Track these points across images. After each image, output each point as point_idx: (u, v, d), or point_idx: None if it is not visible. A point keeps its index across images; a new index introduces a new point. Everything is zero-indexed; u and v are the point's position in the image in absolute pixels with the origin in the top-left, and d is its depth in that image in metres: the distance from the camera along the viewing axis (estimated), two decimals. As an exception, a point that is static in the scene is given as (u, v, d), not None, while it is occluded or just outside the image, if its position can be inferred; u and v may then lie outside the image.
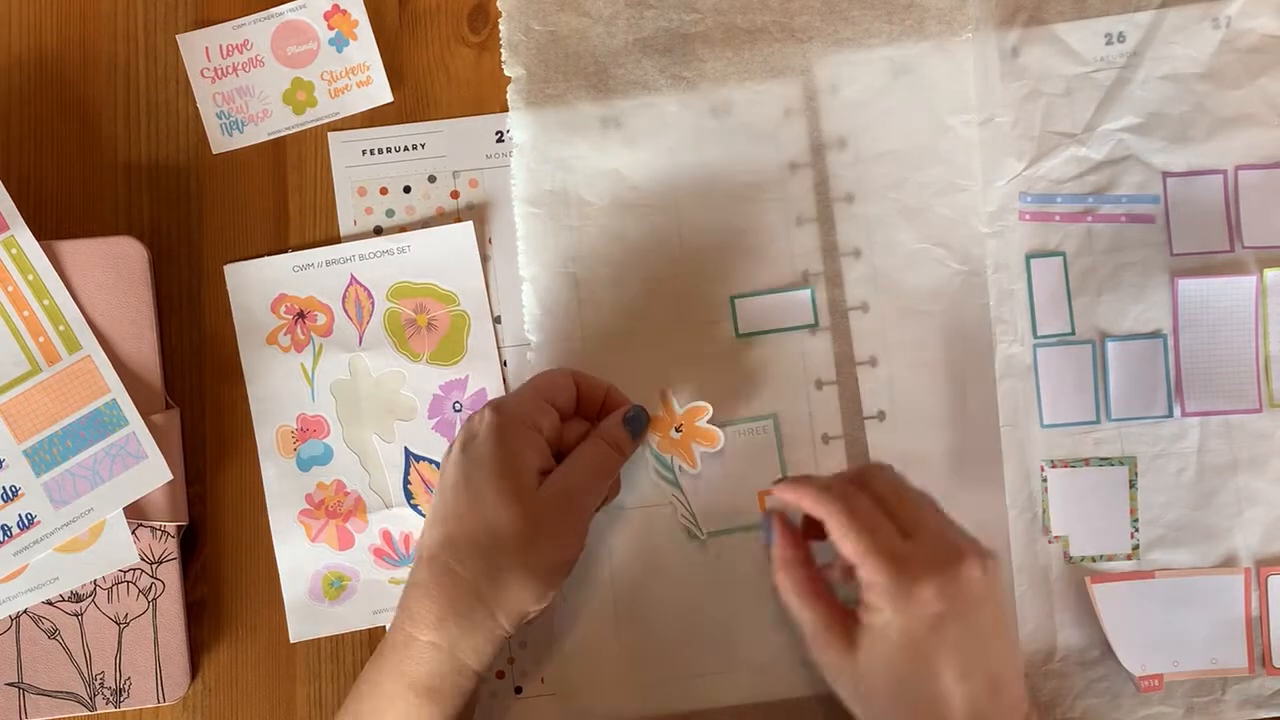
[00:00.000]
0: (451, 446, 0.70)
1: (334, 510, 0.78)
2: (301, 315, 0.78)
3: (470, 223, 0.79)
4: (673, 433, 0.77)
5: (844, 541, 0.67)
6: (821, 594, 0.70)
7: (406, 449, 0.78)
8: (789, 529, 0.72)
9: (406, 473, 0.78)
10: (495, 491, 0.67)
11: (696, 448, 0.77)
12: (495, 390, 0.78)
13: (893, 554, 0.65)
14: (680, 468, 0.77)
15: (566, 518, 0.69)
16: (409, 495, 0.78)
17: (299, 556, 0.77)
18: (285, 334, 0.78)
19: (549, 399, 0.71)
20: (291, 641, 0.77)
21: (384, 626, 0.77)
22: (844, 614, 0.68)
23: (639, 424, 0.74)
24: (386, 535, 0.78)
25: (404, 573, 0.77)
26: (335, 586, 0.77)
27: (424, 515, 0.78)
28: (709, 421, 0.77)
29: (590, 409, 0.75)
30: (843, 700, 0.69)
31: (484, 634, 0.67)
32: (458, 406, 0.78)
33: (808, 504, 0.69)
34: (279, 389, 0.78)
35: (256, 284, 0.78)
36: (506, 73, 0.79)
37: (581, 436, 0.72)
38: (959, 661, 0.64)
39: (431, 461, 0.78)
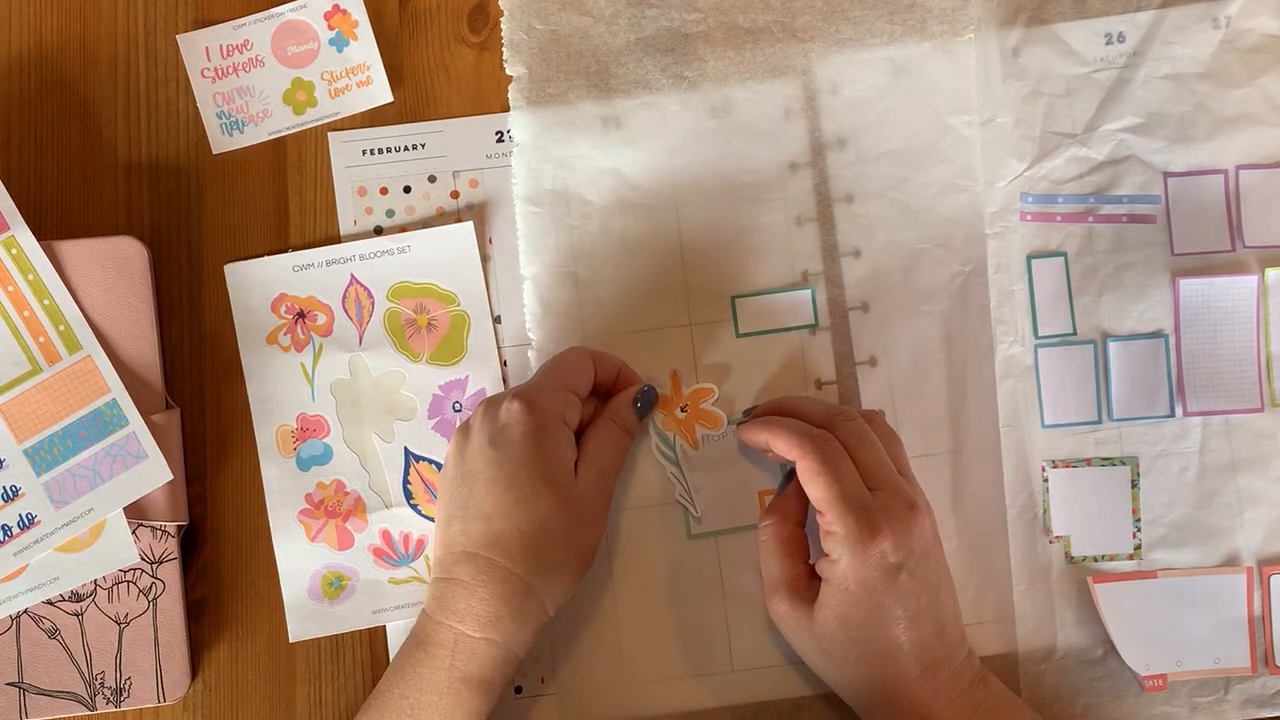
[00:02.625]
0: (467, 437, 0.71)
1: (334, 510, 0.78)
2: (302, 315, 0.78)
3: (470, 223, 0.79)
4: (678, 412, 0.78)
5: (811, 486, 0.69)
6: (798, 553, 0.73)
7: (406, 449, 0.78)
8: (798, 492, 0.74)
9: (406, 473, 0.78)
10: (542, 492, 0.69)
11: (700, 429, 0.77)
12: (495, 391, 0.78)
13: (857, 504, 0.69)
14: (681, 447, 0.77)
15: (602, 503, 0.73)
16: (409, 495, 0.78)
17: (298, 556, 0.77)
18: (285, 334, 0.78)
19: (572, 388, 0.73)
20: (291, 641, 0.77)
21: (384, 626, 0.77)
22: (811, 575, 0.72)
23: (647, 405, 0.76)
24: (386, 535, 0.78)
25: (403, 572, 0.77)
26: (335, 586, 0.77)
27: (423, 515, 0.78)
28: (714, 405, 0.77)
29: (603, 386, 0.76)
30: (801, 655, 0.72)
31: (534, 624, 0.70)
32: (457, 406, 0.78)
33: (780, 445, 0.72)
34: (279, 389, 0.78)
35: (257, 284, 0.78)
36: (508, 71, 0.79)
37: (594, 414, 0.75)
38: (910, 610, 0.69)
39: (431, 461, 0.78)
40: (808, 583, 0.72)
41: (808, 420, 0.73)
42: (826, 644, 0.70)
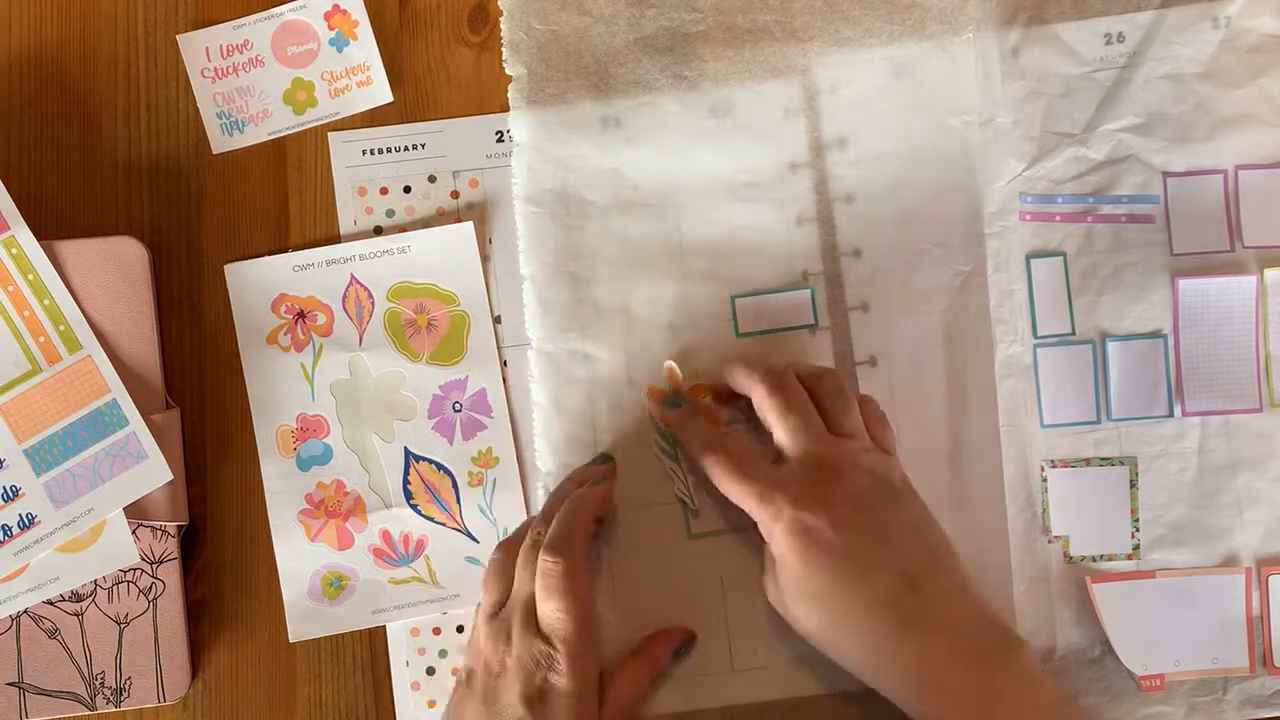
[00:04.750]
0: (494, 691, 0.70)
1: (333, 510, 0.78)
2: (302, 315, 0.78)
3: (470, 223, 0.79)
4: None
5: (723, 487, 0.71)
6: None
7: (406, 449, 0.78)
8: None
9: (406, 472, 0.78)
10: None
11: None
12: (495, 391, 0.78)
13: (759, 489, 0.70)
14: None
15: None
16: (408, 495, 0.78)
17: (298, 556, 0.77)
18: (285, 334, 0.78)
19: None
20: (291, 641, 0.77)
21: (384, 627, 0.77)
22: None
23: (687, 654, 0.76)
24: (386, 535, 0.78)
25: (403, 572, 0.78)
26: (335, 586, 0.77)
27: (423, 515, 0.78)
28: (713, 402, 0.78)
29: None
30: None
31: None
32: (457, 406, 0.78)
33: (692, 454, 0.74)
34: (279, 388, 0.78)
35: (257, 283, 0.78)
36: (507, 71, 0.79)
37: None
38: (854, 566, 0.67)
39: (431, 461, 0.78)
40: None
41: (740, 379, 0.74)
42: (793, 617, 0.70)
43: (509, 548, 0.74)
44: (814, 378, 0.74)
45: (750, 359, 0.75)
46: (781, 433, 0.71)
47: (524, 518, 0.78)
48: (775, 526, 0.68)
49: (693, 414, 0.76)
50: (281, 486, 0.78)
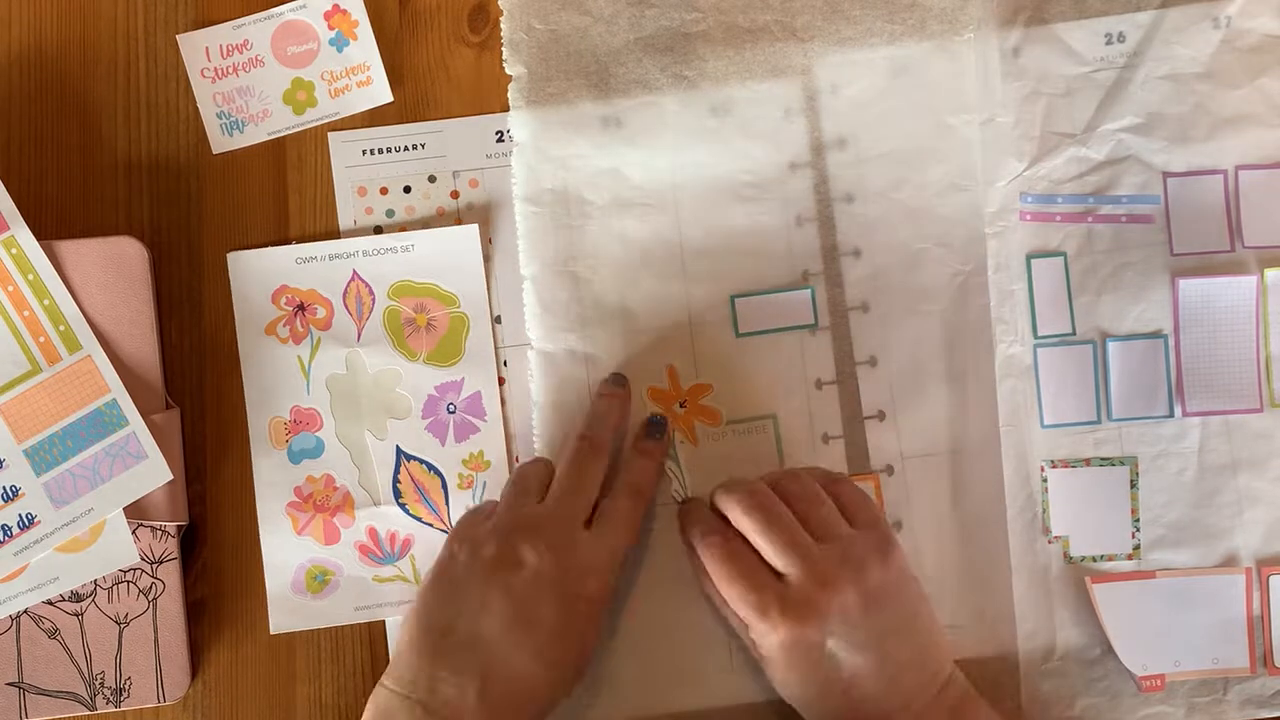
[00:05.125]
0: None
1: (322, 504, 0.78)
2: (301, 307, 0.78)
3: (475, 226, 0.79)
4: (676, 407, 0.78)
5: (721, 587, 0.71)
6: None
7: (398, 447, 0.78)
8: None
9: (396, 471, 0.78)
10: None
11: (699, 425, 0.77)
12: (490, 395, 0.79)
13: (760, 603, 0.69)
14: (680, 442, 0.77)
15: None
16: (398, 494, 0.78)
17: (284, 548, 0.77)
18: (284, 325, 0.78)
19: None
20: (272, 633, 0.77)
21: (384, 626, 0.78)
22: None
23: (658, 429, 0.77)
24: (373, 533, 0.78)
25: (388, 571, 0.78)
26: (319, 580, 0.77)
27: (411, 515, 0.78)
28: (712, 401, 0.78)
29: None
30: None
31: None
32: (452, 408, 0.78)
33: (695, 544, 0.74)
34: (274, 380, 0.78)
35: (258, 274, 0.78)
36: (507, 71, 0.79)
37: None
38: (847, 674, 0.69)
39: (422, 461, 0.78)
40: None
41: (726, 506, 0.73)
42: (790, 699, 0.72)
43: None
44: (785, 483, 0.73)
45: (729, 483, 0.74)
46: (771, 552, 0.70)
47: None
48: (770, 639, 0.69)
49: (695, 502, 0.77)
50: (272, 478, 0.78)
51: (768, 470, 0.77)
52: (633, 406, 0.78)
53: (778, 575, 0.70)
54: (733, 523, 0.72)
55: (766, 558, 0.70)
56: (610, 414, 0.76)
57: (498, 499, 0.75)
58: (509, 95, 0.79)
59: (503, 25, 0.80)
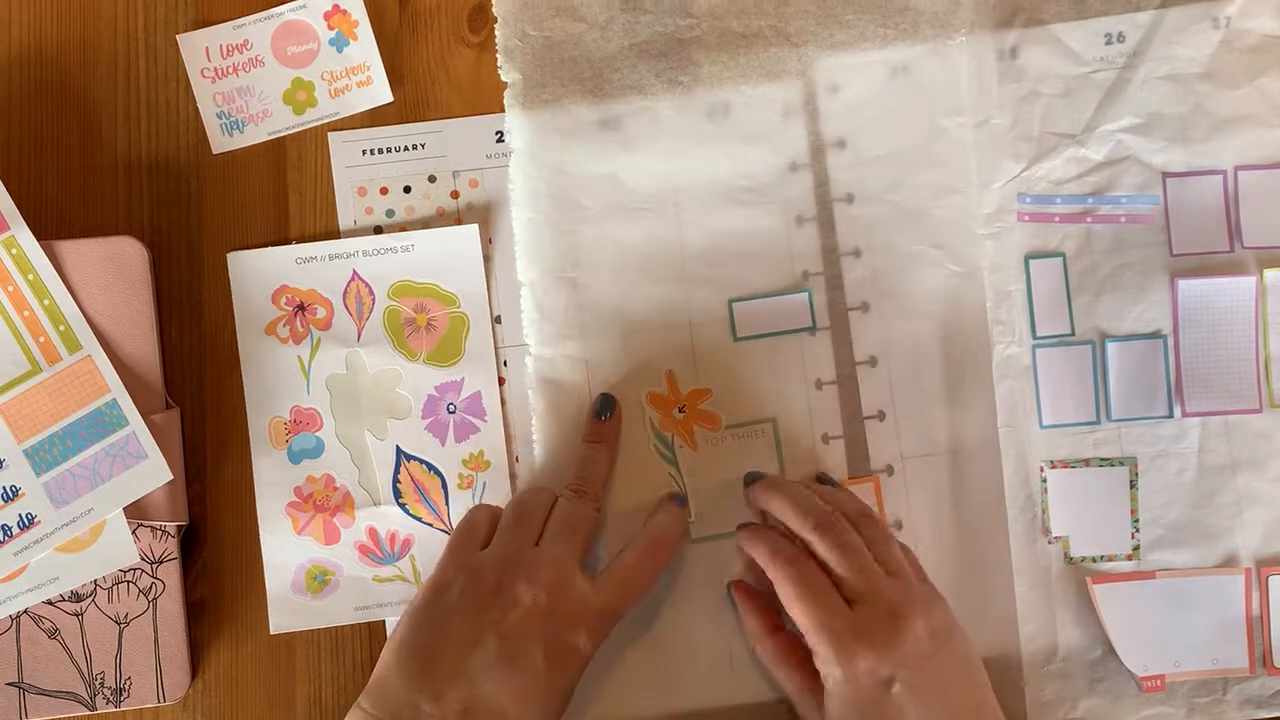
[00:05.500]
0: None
1: (322, 504, 0.78)
2: (301, 307, 0.78)
3: (475, 226, 0.79)
4: (675, 412, 0.78)
5: (792, 609, 0.69)
6: (794, 658, 0.73)
7: (398, 447, 0.78)
8: (752, 598, 0.75)
9: (396, 471, 0.78)
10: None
11: (698, 430, 0.77)
12: (490, 395, 0.78)
13: (834, 628, 0.68)
14: (680, 447, 0.77)
15: None
16: (398, 494, 0.78)
17: (284, 548, 0.77)
18: (284, 325, 0.78)
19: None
20: (272, 633, 0.77)
21: (384, 626, 0.78)
22: (816, 676, 0.70)
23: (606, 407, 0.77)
24: (373, 533, 0.78)
25: (388, 571, 0.78)
26: (318, 580, 0.77)
27: (411, 515, 0.78)
28: (711, 405, 0.78)
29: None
30: None
31: None
32: (452, 408, 0.78)
33: (761, 562, 0.72)
34: (274, 380, 0.78)
35: (258, 273, 0.78)
36: (503, 78, 0.79)
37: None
38: (913, 717, 0.67)
39: (422, 461, 0.78)
40: (816, 684, 0.70)
41: (790, 519, 0.72)
42: None
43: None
44: (855, 517, 0.73)
45: (799, 495, 0.73)
46: (845, 569, 0.70)
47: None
48: (836, 671, 0.67)
49: (764, 527, 0.76)
50: (272, 478, 0.78)
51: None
52: (632, 406, 0.78)
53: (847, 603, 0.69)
54: (797, 531, 0.71)
55: (837, 577, 0.70)
56: (599, 463, 0.76)
57: (495, 506, 0.74)
58: (505, 101, 0.79)
59: (497, 32, 0.80)
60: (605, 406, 0.77)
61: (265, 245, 0.79)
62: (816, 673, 0.69)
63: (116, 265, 0.75)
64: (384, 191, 0.79)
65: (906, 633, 0.68)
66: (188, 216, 0.79)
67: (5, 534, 0.73)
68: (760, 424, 0.78)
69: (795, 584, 0.69)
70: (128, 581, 0.75)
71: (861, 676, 0.67)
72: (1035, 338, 0.78)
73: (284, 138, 0.80)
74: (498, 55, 0.79)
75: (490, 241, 0.79)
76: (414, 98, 0.80)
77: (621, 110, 0.79)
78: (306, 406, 0.78)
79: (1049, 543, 0.78)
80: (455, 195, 0.79)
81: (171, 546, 0.75)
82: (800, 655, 0.72)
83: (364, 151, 0.79)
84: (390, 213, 0.79)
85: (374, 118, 0.80)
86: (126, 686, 0.74)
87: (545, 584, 0.69)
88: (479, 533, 0.72)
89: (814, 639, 0.68)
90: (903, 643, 0.67)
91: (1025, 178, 0.79)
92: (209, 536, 0.78)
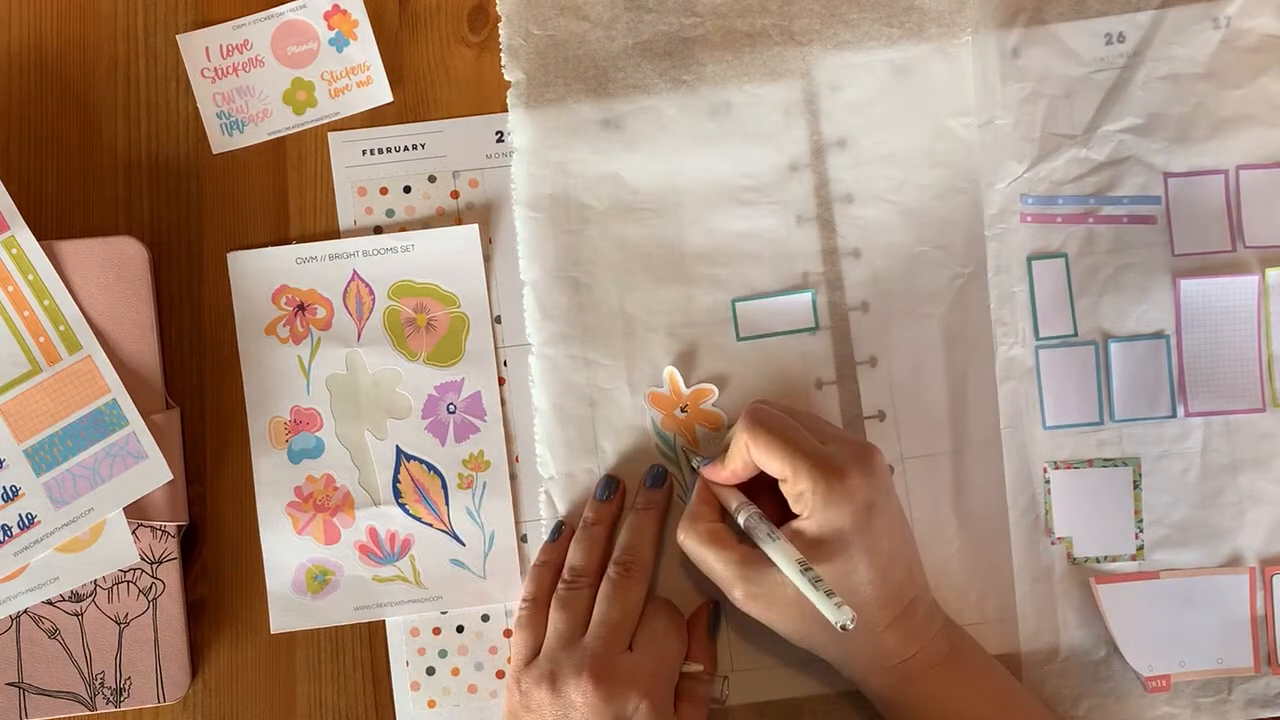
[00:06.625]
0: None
1: (322, 504, 0.78)
2: (301, 307, 0.78)
3: (475, 226, 0.79)
4: (677, 412, 0.78)
5: (771, 458, 0.70)
6: (728, 540, 0.72)
7: (398, 447, 0.78)
8: (708, 495, 0.75)
9: (396, 471, 0.78)
10: None
11: (700, 429, 0.77)
12: (490, 395, 0.78)
13: (820, 453, 0.69)
14: (682, 447, 0.77)
15: None
16: (398, 494, 0.78)
17: (284, 548, 0.77)
18: (284, 325, 0.78)
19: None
20: (272, 633, 0.77)
21: (384, 626, 0.77)
22: (751, 550, 0.71)
23: (715, 630, 0.77)
24: (373, 532, 0.78)
25: (388, 571, 0.78)
26: (318, 580, 0.77)
27: (411, 515, 0.78)
28: (714, 405, 0.78)
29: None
30: (775, 628, 0.72)
31: None
32: (452, 408, 0.78)
33: (741, 431, 0.72)
34: (274, 380, 0.78)
35: (258, 273, 0.78)
36: (506, 77, 0.79)
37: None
38: (885, 550, 0.70)
39: (422, 461, 0.78)
40: (755, 560, 0.70)
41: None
42: (793, 603, 0.70)
43: (537, 599, 0.75)
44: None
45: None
46: (809, 428, 0.72)
47: (512, 523, 0.78)
48: (834, 487, 0.69)
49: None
50: (272, 478, 0.78)
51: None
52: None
53: None
54: (751, 452, 0.72)
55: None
56: (592, 550, 0.75)
57: (544, 597, 0.75)
58: (508, 100, 0.79)
59: (501, 31, 0.80)
60: (609, 487, 0.77)
61: (265, 245, 0.79)
62: (745, 547, 0.71)
63: (116, 265, 0.76)
64: (384, 191, 0.79)
65: (878, 464, 0.71)
66: (188, 216, 0.79)
67: (5, 534, 0.73)
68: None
69: (767, 428, 0.70)
70: (128, 581, 0.75)
71: (847, 501, 0.68)
72: (1038, 339, 0.78)
73: (284, 138, 0.80)
74: (501, 54, 0.80)
75: (490, 241, 0.79)
76: (414, 98, 0.80)
77: (625, 109, 0.79)
78: (306, 406, 0.78)
79: (1052, 544, 0.77)
80: (455, 195, 0.79)
81: (171, 546, 0.75)
82: (727, 538, 0.72)
83: (364, 151, 0.79)
84: (390, 213, 0.79)
85: (374, 118, 0.80)
86: (126, 686, 0.74)
87: (592, 677, 0.69)
88: (529, 629, 0.74)
89: (801, 469, 0.69)
90: (877, 470, 0.70)
91: (1028, 178, 0.79)
92: (209, 536, 0.77)
